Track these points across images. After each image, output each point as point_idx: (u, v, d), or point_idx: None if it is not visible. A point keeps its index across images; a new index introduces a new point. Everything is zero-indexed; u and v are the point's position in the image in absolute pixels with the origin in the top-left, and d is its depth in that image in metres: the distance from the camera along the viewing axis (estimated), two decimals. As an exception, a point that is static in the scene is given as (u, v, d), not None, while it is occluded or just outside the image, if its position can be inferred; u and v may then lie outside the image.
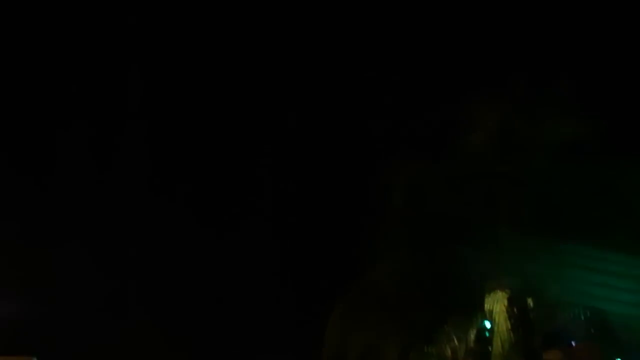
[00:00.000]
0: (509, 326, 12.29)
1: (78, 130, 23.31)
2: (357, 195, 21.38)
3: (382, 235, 14.88)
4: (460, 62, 14.35)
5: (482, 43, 14.30)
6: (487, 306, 12.98)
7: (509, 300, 12.50)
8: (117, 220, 22.42)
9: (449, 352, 14.37)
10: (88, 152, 23.34)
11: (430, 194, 13.71)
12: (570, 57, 13.72)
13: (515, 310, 12.36)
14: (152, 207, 23.24)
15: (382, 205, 14.22)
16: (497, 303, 12.76)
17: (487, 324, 13.18)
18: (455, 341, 14.31)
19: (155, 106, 25.09)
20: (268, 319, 22.63)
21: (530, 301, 12.55)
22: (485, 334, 13.33)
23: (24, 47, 22.99)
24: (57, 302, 18.43)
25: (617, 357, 14.06)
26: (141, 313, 21.27)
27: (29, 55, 23.74)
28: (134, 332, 19.03)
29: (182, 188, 24.50)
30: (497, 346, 12.51)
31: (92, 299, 19.86)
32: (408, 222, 13.72)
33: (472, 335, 13.96)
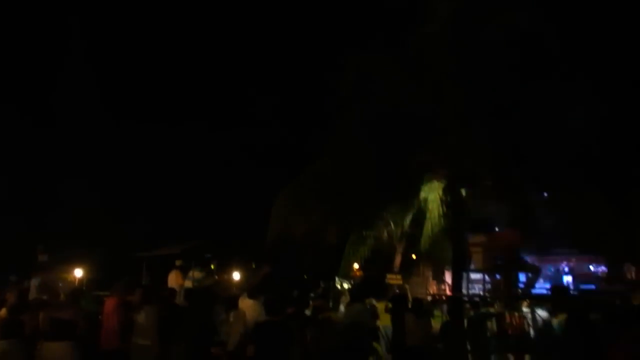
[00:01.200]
0: (441, 213, 12.96)
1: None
2: (307, 85, 21.20)
3: (330, 125, 15.02)
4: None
5: None
6: (422, 194, 13.61)
7: (444, 189, 13.10)
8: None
9: (385, 234, 15.34)
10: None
11: (378, 85, 13.69)
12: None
13: (448, 198, 12.94)
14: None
15: (331, 96, 14.14)
16: (432, 192, 13.39)
17: (422, 211, 13.89)
18: (392, 225, 15.23)
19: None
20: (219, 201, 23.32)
21: (463, 191, 13.14)
22: (418, 220, 14.11)
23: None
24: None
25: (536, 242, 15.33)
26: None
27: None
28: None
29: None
30: (427, 230, 13.26)
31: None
32: (355, 113, 13.76)
33: (408, 220, 14.88)
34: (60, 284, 11.20)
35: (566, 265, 16.97)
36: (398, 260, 15.45)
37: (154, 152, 24.38)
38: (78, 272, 13.71)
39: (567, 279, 16.68)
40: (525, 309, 10.04)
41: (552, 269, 17.08)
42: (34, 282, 9.47)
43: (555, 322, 7.02)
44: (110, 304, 7.40)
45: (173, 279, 11.20)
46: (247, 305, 8.01)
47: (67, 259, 13.75)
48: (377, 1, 14.76)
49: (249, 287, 9.47)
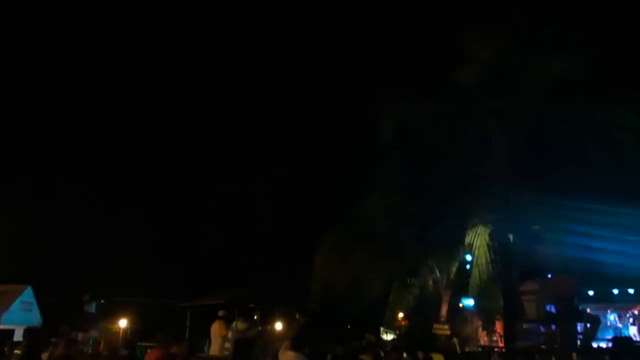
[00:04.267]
0: (489, 259, 12.51)
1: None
2: (348, 132, 21.34)
3: (371, 171, 14.99)
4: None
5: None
6: (467, 240, 13.22)
7: (490, 234, 12.70)
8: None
9: (430, 282, 14.87)
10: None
11: (419, 130, 13.65)
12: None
13: (495, 244, 12.53)
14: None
15: (372, 142, 14.18)
16: (478, 237, 12.98)
17: (468, 257, 13.45)
18: (437, 273, 14.77)
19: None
20: (261, 252, 23.23)
21: (510, 236, 12.71)
22: (465, 267, 13.65)
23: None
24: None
25: (590, 290, 14.60)
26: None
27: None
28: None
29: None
30: (474, 277, 12.79)
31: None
32: (397, 159, 13.72)
33: (454, 267, 14.41)
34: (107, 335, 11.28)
35: (630, 315, 15.88)
36: (445, 309, 14.91)
37: (197, 201, 24.85)
38: (122, 323, 13.81)
39: (633, 330, 15.60)
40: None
41: (614, 319, 16.03)
42: (84, 336, 9.55)
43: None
44: (153, 355, 7.30)
45: (216, 330, 11.10)
46: (289, 357, 7.78)
47: (112, 309, 13.91)
48: (418, 46, 14.90)
49: (291, 339, 9.25)
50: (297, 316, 15.03)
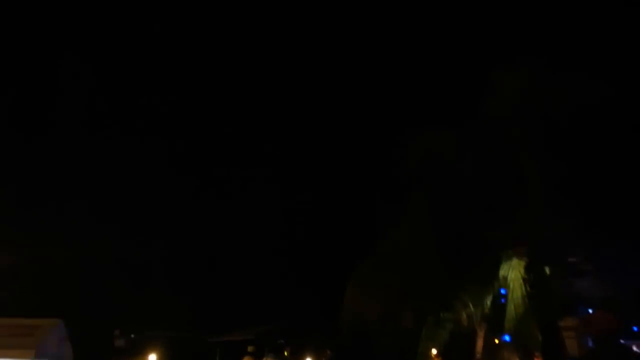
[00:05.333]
0: (524, 293, 12.17)
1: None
2: (377, 162, 21.29)
3: (401, 202, 14.87)
4: (483, 29, 13.89)
5: (501, 13, 13.79)
6: (502, 273, 12.90)
7: (526, 267, 12.37)
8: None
9: (464, 317, 14.45)
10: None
11: (448, 160, 13.54)
12: (590, 24, 13.17)
13: (531, 277, 12.20)
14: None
15: (402, 172, 14.10)
16: (512, 270, 12.65)
17: (503, 291, 13.10)
18: (471, 307, 14.36)
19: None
20: (290, 286, 23.06)
21: (547, 269, 12.35)
22: (500, 301, 13.27)
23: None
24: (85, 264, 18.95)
25: (634, 327, 13.87)
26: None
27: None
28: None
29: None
30: (509, 311, 12.45)
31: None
32: (426, 188, 13.60)
33: (488, 301, 13.99)
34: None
35: (680, 353, 15.05)
36: (480, 345, 14.41)
37: (226, 234, 24.95)
38: (153, 358, 13.81)
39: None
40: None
41: (661, 357, 15.19)
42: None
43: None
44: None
45: (246, 366, 10.98)
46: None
47: (143, 344, 13.93)
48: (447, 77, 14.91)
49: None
50: (328, 352, 14.75)
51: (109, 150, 23.54)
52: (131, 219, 22.75)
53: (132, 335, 13.89)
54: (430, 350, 15.43)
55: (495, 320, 13.80)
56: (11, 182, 19.82)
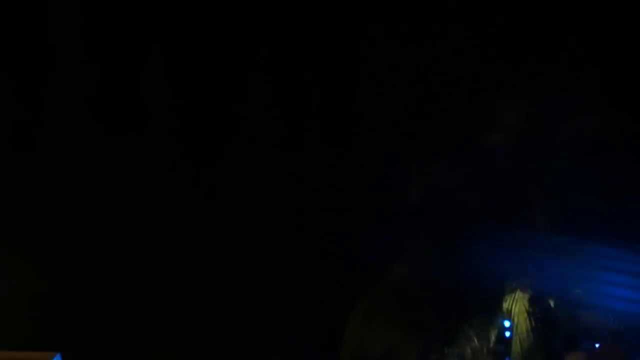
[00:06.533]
0: (529, 327, 12.10)
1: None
2: (378, 195, 21.34)
3: (401, 235, 14.88)
4: (480, 59, 14.15)
5: (500, 41, 14.08)
6: (505, 305, 12.87)
7: (530, 300, 12.32)
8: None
9: (469, 352, 14.25)
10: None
11: (450, 193, 13.63)
12: (593, 53, 13.44)
13: (536, 310, 12.14)
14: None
15: (402, 205, 14.18)
16: (516, 303, 12.61)
17: (507, 324, 13.02)
18: (476, 342, 14.20)
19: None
20: (287, 319, 22.73)
21: (552, 302, 12.30)
22: (505, 335, 13.16)
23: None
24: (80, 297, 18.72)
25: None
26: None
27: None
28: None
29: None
30: (515, 346, 12.37)
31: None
32: (428, 222, 13.66)
33: (493, 335, 13.83)
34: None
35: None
36: (486, 380, 14.20)
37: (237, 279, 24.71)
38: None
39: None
40: None
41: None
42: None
43: None
44: None
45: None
46: None
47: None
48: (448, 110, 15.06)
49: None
50: (329, 389, 14.49)
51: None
52: (134, 251, 22.65)
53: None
54: (435, 386, 15.19)
55: (501, 355, 13.65)
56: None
